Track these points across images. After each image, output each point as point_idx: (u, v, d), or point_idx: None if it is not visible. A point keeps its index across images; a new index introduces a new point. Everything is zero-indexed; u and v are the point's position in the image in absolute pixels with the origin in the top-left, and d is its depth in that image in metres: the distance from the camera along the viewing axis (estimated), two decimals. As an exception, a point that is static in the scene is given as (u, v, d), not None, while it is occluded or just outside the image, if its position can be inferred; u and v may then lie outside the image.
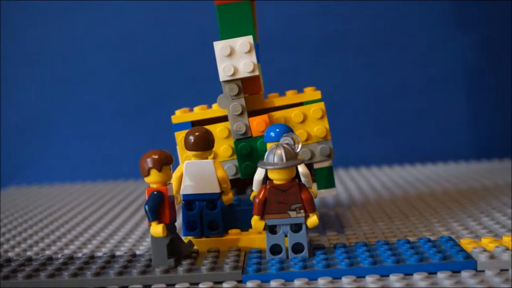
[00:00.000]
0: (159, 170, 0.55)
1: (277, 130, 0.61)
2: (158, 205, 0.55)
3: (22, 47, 1.19)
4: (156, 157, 0.55)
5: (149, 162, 0.55)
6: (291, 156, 0.55)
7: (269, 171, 0.56)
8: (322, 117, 0.65)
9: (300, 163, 0.57)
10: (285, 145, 0.56)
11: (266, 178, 0.59)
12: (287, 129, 0.61)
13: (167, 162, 0.55)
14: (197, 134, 0.59)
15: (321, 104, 0.65)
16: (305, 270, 0.54)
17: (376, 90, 1.16)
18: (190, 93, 1.15)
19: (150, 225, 0.55)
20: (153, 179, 0.55)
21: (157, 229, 0.54)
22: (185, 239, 0.60)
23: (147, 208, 0.55)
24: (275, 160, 0.55)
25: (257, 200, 0.56)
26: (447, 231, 0.66)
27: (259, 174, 0.60)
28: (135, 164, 1.19)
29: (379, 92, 1.16)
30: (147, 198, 0.55)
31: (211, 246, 0.60)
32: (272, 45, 1.11)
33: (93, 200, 0.97)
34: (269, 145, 0.61)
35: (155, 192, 0.55)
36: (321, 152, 0.65)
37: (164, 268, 0.54)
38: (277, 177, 0.56)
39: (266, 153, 0.56)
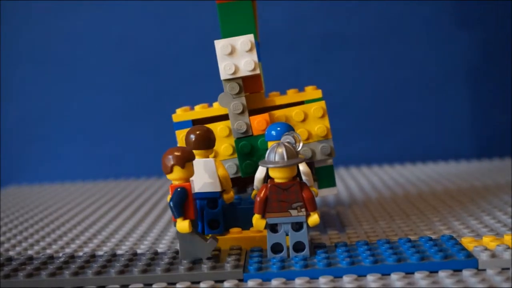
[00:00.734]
0: (182, 166, 0.55)
1: (278, 129, 0.61)
2: (183, 201, 0.55)
3: (23, 46, 1.19)
4: (178, 154, 0.55)
5: (171, 159, 0.55)
6: (292, 155, 0.55)
7: (270, 169, 0.56)
8: (323, 116, 0.65)
9: (301, 162, 0.57)
10: (286, 144, 0.56)
11: (267, 177, 0.59)
12: (288, 128, 0.61)
13: (190, 158, 0.56)
14: (198, 133, 0.59)
15: (322, 103, 0.65)
16: (306, 269, 0.53)
17: (377, 89, 1.16)
18: (191, 91, 1.14)
19: (175, 222, 0.55)
20: (176, 176, 0.55)
21: (183, 225, 0.55)
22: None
23: (172, 205, 0.55)
24: (276, 159, 0.55)
25: (258, 199, 0.56)
26: (448, 230, 0.66)
27: (260, 172, 0.60)
28: (136, 163, 1.21)
29: (380, 91, 1.16)
30: (171, 195, 0.55)
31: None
32: (273, 43, 1.11)
33: (94, 199, 0.97)
34: (270, 144, 0.61)
35: (179, 189, 0.55)
36: (322, 151, 0.65)
37: (191, 262, 0.55)
38: (278, 176, 0.56)
39: (267, 151, 0.56)
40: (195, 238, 0.56)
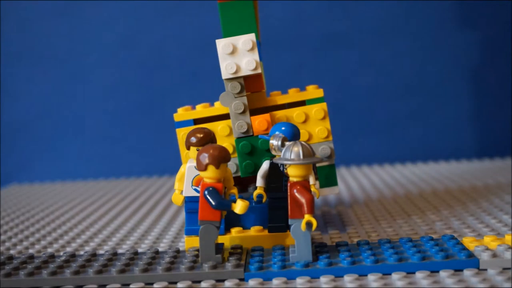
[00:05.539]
0: (217, 167, 0.55)
1: (283, 128, 0.61)
2: (220, 196, 0.55)
3: (24, 45, 1.19)
4: (215, 153, 0.55)
5: (207, 157, 0.55)
6: (309, 154, 0.55)
7: (287, 168, 0.56)
8: (324, 118, 0.65)
9: (317, 161, 0.56)
10: (303, 142, 0.55)
11: (269, 175, 0.59)
12: (293, 128, 0.61)
13: (225, 159, 0.55)
14: (199, 135, 0.59)
15: (323, 105, 0.66)
16: (307, 268, 0.53)
17: (379, 88, 1.16)
18: (192, 91, 1.15)
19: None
20: (209, 175, 0.55)
21: (239, 205, 0.55)
22: (190, 238, 0.60)
23: (216, 206, 0.55)
24: (292, 157, 0.55)
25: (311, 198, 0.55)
26: (449, 229, 0.66)
27: (262, 171, 0.60)
28: (137, 162, 1.21)
29: (381, 90, 1.16)
30: (201, 192, 0.55)
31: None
32: (275, 43, 1.11)
33: (95, 198, 0.97)
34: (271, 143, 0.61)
35: (210, 188, 0.55)
36: (322, 153, 0.65)
37: (212, 264, 0.54)
38: (293, 174, 0.55)
39: (283, 149, 0.56)
40: (210, 244, 0.56)
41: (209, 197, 0.55)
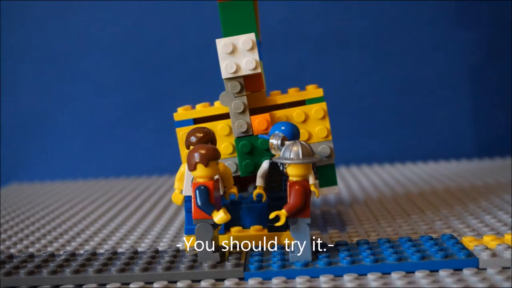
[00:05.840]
0: (206, 165, 0.55)
1: (283, 128, 0.61)
2: (209, 198, 0.55)
3: (25, 44, 1.19)
4: (203, 152, 0.55)
5: (196, 157, 0.55)
6: (308, 153, 0.55)
7: (287, 167, 0.56)
8: (323, 117, 0.65)
9: (317, 161, 0.56)
10: (302, 142, 0.56)
11: (268, 175, 0.59)
12: (293, 128, 0.61)
13: (214, 157, 0.55)
14: (198, 135, 0.59)
15: (323, 105, 0.66)
16: (306, 268, 0.54)
17: (379, 87, 1.16)
18: (192, 90, 1.15)
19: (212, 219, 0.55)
20: (199, 173, 0.55)
21: (221, 217, 0.55)
22: (189, 238, 0.61)
23: (200, 205, 0.55)
24: (291, 156, 0.55)
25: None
26: (449, 229, 0.66)
27: (262, 170, 0.60)
28: (137, 161, 1.21)
29: (381, 90, 1.16)
30: (193, 192, 0.55)
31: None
32: (275, 42, 1.11)
33: (95, 197, 0.98)
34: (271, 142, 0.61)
35: (202, 187, 0.55)
36: (322, 152, 0.65)
37: (212, 263, 0.55)
38: (293, 173, 0.55)
39: (283, 149, 0.56)
40: (207, 242, 0.56)
41: (197, 195, 0.55)
